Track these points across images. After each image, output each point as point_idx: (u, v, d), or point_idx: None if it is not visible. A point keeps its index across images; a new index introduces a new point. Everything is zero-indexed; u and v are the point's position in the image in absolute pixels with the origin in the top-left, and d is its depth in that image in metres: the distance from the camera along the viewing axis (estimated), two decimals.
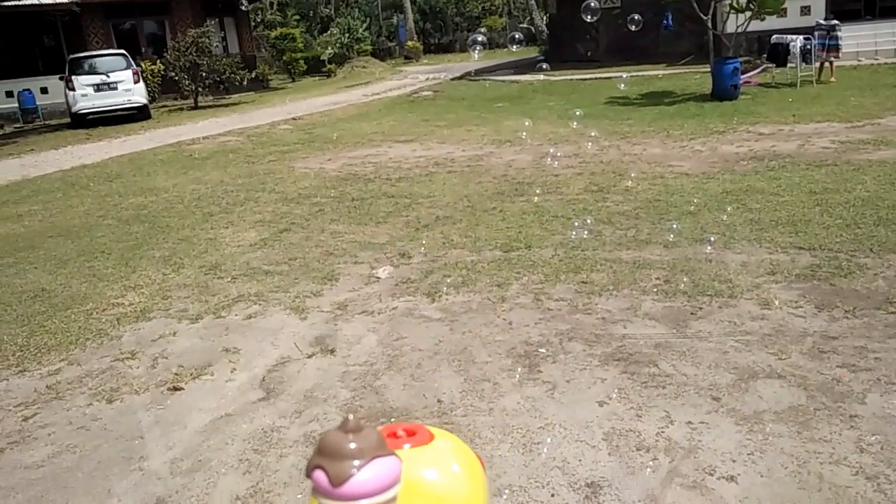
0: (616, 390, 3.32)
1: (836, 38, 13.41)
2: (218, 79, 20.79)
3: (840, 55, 13.70)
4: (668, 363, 3.53)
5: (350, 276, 5.26)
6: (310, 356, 4.00)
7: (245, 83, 22.03)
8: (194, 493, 2.85)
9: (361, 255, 5.72)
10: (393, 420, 3.28)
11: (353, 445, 0.72)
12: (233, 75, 21.00)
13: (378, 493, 0.72)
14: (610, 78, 17.99)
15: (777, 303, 4.09)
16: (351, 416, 0.74)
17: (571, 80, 18.42)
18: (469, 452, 0.94)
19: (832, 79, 13.60)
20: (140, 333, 4.53)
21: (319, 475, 0.71)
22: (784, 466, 2.65)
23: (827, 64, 13.70)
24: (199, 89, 20.62)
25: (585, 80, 18.18)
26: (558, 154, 9.29)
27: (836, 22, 13.67)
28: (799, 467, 2.63)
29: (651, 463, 2.76)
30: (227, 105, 20.71)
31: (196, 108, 20.26)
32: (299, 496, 2.77)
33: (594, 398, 3.28)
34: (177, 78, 20.41)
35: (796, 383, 3.22)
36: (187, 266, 5.77)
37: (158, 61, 21.97)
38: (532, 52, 30.37)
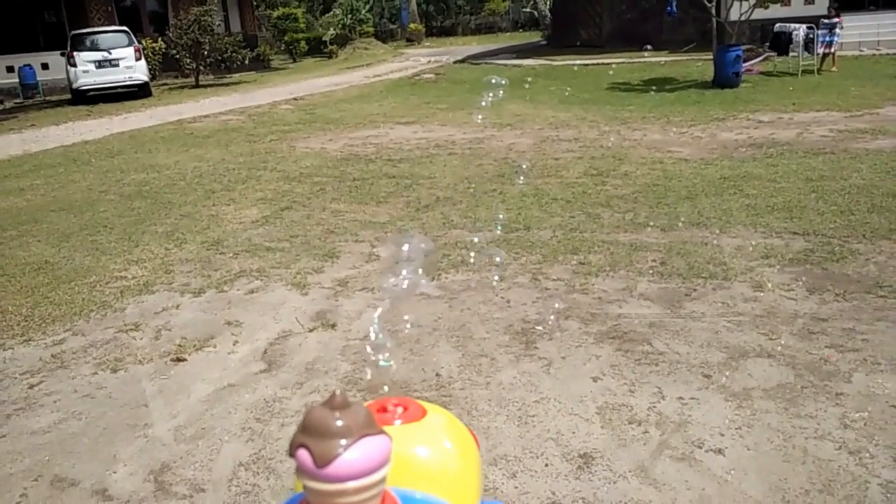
0: (610, 367, 3.40)
1: (835, 34, 13.56)
2: (219, 57, 20.75)
3: (833, 49, 13.79)
4: (661, 342, 3.61)
5: (351, 254, 5.33)
6: (311, 330, 4.08)
7: (246, 62, 21.99)
8: (198, 459, 2.93)
9: (362, 233, 5.78)
10: (392, 394, 3.36)
11: (339, 423, 0.67)
12: (234, 54, 20.96)
13: (366, 474, 0.67)
14: (611, 64, 17.99)
15: (770, 285, 4.17)
16: (338, 391, 0.70)
17: (573, 65, 18.41)
18: (462, 428, 0.93)
19: (833, 69, 13.63)
20: (143, 306, 4.60)
21: (303, 454, 0.67)
22: (770, 441, 2.73)
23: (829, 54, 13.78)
24: (201, 68, 20.59)
25: (587, 65, 18.17)
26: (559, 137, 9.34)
27: (837, 20, 13.77)
28: (784, 441, 2.72)
29: (642, 436, 2.84)
30: (228, 84, 20.69)
31: (197, 86, 20.24)
32: None
33: (588, 374, 3.36)
34: (178, 56, 20.38)
35: (785, 362, 3.30)
36: (190, 241, 5.84)
37: (160, 39, 21.92)
38: (535, 37, 30.29)
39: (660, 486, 2.53)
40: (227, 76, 22.22)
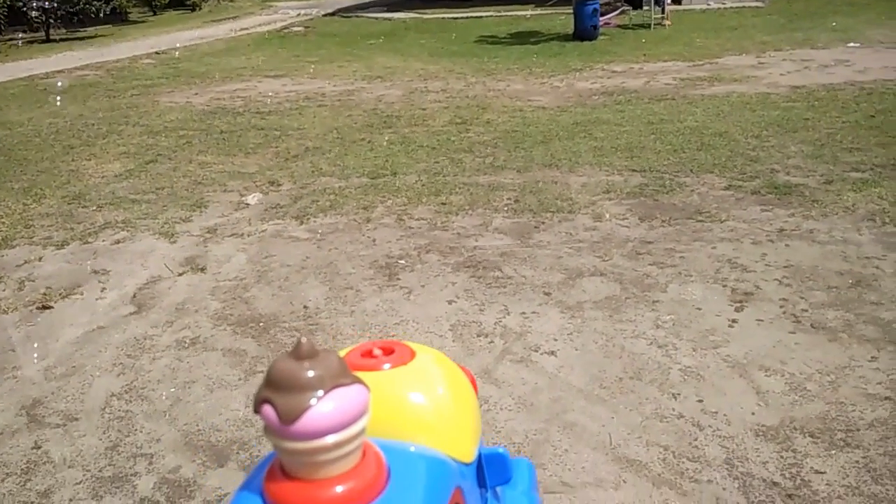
0: (464, 291, 3.74)
1: None
2: (71, 10, 19.48)
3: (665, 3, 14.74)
4: (510, 268, 3.99)
5: (219, 203, 5.40)
6: (180, 274, 4.18)
7: (101, 16, 20.76)
8: (70, 394, 3.04)
9: (230, 183, 5.84)
10: (261, 325, 3.56)
11: (308, 374, 0.61)
12: (88, 7, 19.73)
13: (340, 428, 0.61)
14: (481, 17, 18.31)
15: (608, 216, 4.63)
16: (304, 339, 0.64)
17: (444, 18, 18.60)
18: (455, 369, 0.89)
19: (667, 22, 14.48)
20: (3, 260, 4.54)
21: (268, 411, 0.60)
22: (595, 342, 3.15)
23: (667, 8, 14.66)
24: (51, 21, 19.28)
25: (457, 18, 18.42)
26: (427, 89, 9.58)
27: None
28: (607, 342, 3.15)
29: (488, 345, 3.20)
30: (82, 38, 19.49)
31: (48, 41, 18.96)
32: (172, 389, 3.02)
33: (444, 298, 3.68)
34: (25, 9, 18.97)
35: (614, 279, 3.75)
36: (49, 196, 5.71)
37: None
38: None
39: (500, 384, 2.89)
40: (82, 30, 20.90)
